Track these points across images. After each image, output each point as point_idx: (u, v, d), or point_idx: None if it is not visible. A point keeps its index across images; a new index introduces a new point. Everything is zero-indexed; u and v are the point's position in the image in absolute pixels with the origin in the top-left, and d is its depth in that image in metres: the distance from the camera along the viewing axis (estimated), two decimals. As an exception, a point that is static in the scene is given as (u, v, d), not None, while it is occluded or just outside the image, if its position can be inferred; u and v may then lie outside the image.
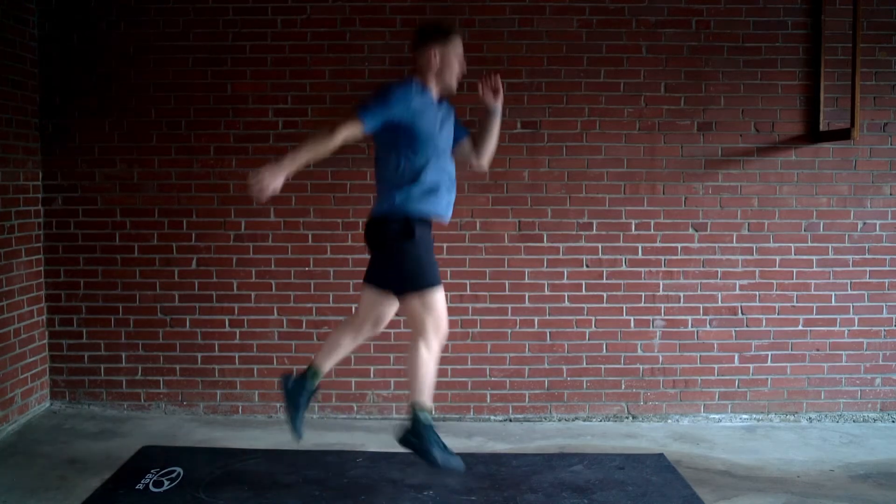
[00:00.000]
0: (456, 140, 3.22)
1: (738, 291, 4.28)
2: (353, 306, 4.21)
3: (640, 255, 4.27)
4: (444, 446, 3.01)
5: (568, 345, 4.30)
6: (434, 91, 3.10)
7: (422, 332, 3.00)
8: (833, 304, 4.29)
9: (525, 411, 4.31)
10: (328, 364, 3.33)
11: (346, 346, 3.32)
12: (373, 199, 3.21)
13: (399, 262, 3.00)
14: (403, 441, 3.03)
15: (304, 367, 3.37)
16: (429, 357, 3.00)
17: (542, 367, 4.30)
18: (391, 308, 3.24)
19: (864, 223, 4.28)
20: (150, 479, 3.35)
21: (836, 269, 4.29)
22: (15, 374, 4.03)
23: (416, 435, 2.98)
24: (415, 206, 3.00)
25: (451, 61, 3.05)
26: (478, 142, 3.25)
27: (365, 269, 3.18)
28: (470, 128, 3.33)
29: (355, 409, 4.29)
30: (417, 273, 2.98)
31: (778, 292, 4.29)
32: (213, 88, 4.23)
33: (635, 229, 4.27)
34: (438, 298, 3.01)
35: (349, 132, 2.89)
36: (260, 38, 4.21)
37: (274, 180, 2.82)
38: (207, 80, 4.23)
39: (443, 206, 3.09)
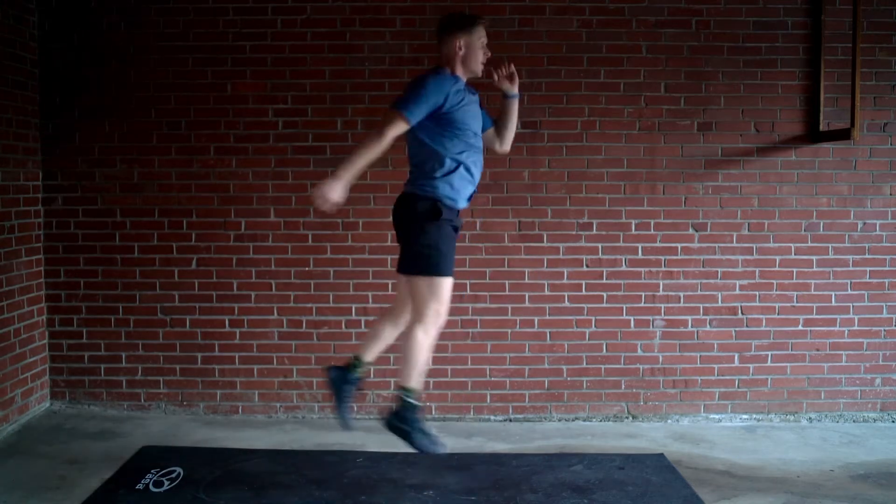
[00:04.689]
0: (483, 128, 3.25)
1: (738, 291, 4.28)
2: (354, 306, 4.25)
3: (640, 255, 4.27)
4: (427, 431, 3.06)
5: (568, 345, 4.30)
6: (462, 78, 3.12)
7: (422, 317, 3.00)
8: (833, 304, 4.29)
9: (525, 411, 4.31)
10: (371, 354, 3.31)
11: (387, 337, 3.31)
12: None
13: (417, 241, 3.01)
14: (390, 425, 3.08)
15: (349, 356, 3.33)
16: (425, 342, 3.02)
17: (542, 367, 4.30)
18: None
19: (864, 223, 4.28)
20: (150, 479, 3.34)
21: (836, 269, 4.29)
22: (15, 374, 4.03)
23: (402, 419, 3.04)
24: (446, 192, 3.03)
25: (475, 49, 3.09)
26: (499, 127, 3.32)
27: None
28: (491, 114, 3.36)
29: (355, 409, 4.28)
30: (432, 257, 2.98)
31: (778, 292, 4.29)
32: (213, 88, 4.23)
33: (635, 229, 4.27)
34: (446, 288, 3.03)
35: (396, 129, 2.92)
36: (260, 38, 4.21)
37: (335, 192, 2.85)
38: (207, 80, 4.23)
39: (467, 196, 3.14)
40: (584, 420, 4.30)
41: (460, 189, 3.08)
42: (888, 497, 3.27)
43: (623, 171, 4.25)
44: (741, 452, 3.80)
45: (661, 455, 3.74)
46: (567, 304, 4.28)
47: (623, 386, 4.31)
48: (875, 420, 4.31)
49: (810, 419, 4.31)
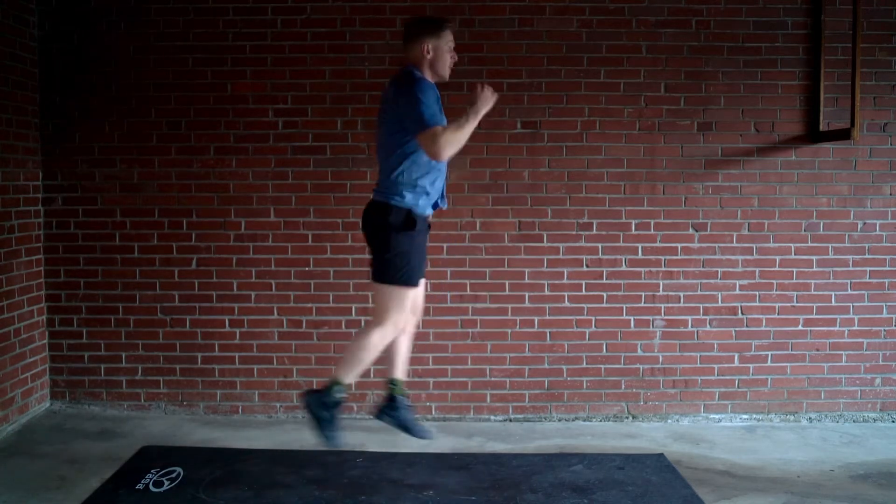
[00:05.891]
0: None
1: (738, 291, 4.28)
2: (354, 306, 4.25)
3: (640, 255, 4.27)
4: (336, 428, 3.12)
5: (568, 345, 4.30)
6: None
7: (382, 322, 3.05)
8: (833, 304, 4.29)
9: (525, 411, 4.31)
10: (398, 372, 3.30)
11: (402, 349, 3.31)
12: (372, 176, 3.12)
13: (388, 250, 3.00)
14: (307, 402, 3.14)
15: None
16: (379, 345, 3.07)
17: (542, 367, 4.30)
18: (421, 290, 3.22)
19: (864, 223, 4.28)
20: (150, 479, 3.35)
21: (836, 269, 4.29)
22: (15, 374, 4.03)
23: (322, 406, 3.11)
24: (419, 201, 3.04)
25: (443, 53, 3.07)
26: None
27: (369, 268, 3.13)
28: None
29: (355, 409, 4.28)
30: (403, 268, 3.00)
31: (778, 292, 4.29)
32: (213, 88, 4.23)
33: (635, 229, 4.27)
34: (409, 297, 3.08)
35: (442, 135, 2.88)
36: (260, 38, 4.21)
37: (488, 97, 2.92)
38: (207, 80, 4.23)
39: (436, 202, 3.14)
40: (584, 420, 4.30)
41: (430, 197, 3.09)
42: (888, 497, 3.27)
43: (623, 171, 4.25)
44: (741, 452, 3.80)
45: (661, 455, 3.74)
46: (567, 304, 4.28)
47: (623, 386, 4.31)
48: (875, 420, 4.31)
49: (810, 419, 4.31)
